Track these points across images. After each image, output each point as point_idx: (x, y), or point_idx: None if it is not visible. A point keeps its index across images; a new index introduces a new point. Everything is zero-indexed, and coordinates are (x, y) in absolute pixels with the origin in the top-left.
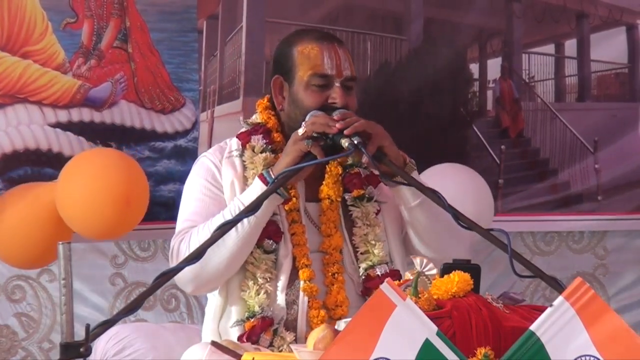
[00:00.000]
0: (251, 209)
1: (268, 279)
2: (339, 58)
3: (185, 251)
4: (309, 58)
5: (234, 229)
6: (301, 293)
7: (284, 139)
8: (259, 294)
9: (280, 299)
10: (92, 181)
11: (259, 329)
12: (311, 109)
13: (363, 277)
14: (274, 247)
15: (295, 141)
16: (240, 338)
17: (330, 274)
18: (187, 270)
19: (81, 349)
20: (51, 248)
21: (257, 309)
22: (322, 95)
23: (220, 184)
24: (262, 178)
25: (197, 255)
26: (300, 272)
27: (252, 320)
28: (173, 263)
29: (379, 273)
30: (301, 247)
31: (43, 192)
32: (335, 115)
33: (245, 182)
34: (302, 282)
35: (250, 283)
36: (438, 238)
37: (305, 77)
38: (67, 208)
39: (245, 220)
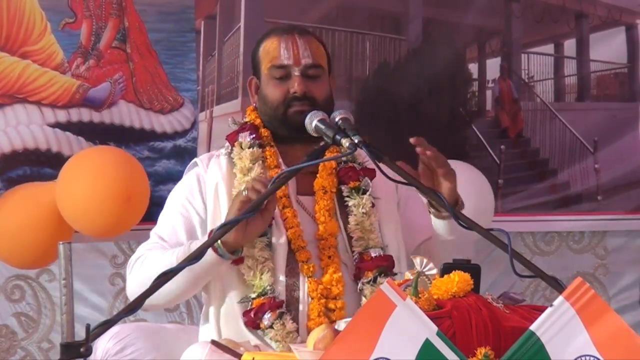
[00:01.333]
0: (253, 208)
1: (267, 257)
2: (297, 47)
3: (134, 275)
4: (268, 52)
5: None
6: (301, 277)
7: (271, 134)
8: (262, 273)
9: (281, 282)
10: (92, 178)
11: (268, 307)
12: (275, 103)
13: (357, 261)
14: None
15: (237, 195)
16: (247, 313)
17: (326, 256)
18: (135, 290)
19: (81, 349)
20: (52, 248)
21: (268, 287)
22: (283, 87)
23: (198, 200)
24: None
25: (197, 256)
26: (297, 254)
27: (262, 298)
28: (127, 276)
29: (373, 255)
30: (294, 229)
31: (43, 192)
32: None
33: (231, 181)
34: (300, 265)
35: (253, 264)
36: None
37: (266, 71)
38: (68, 206)
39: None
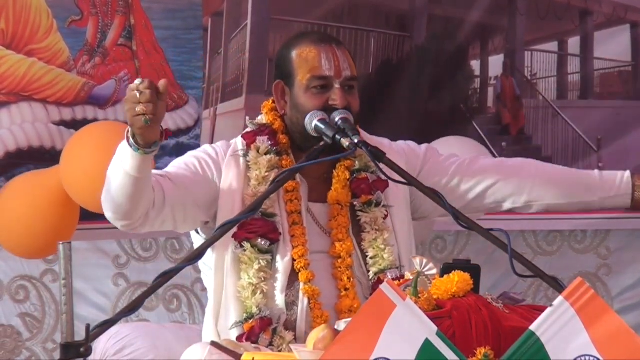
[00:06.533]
0: (252, 210)
1: (263, 279)
2: (338, 59)
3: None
4: (307, 61)
5: (112, 183)
6: (301, 294)
7: (289, 140)
8: (255, 294)
9: (280, 299)
10: (96, 151)
11: (258, 329)
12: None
13: (373, 281)
14: (268, 246)
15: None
16: (239, 338)
17: (346, 277)
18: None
19: (81, 349)
20: (59, 234)
21: (255, 310)
22: (322, 98)
23: (208, 169)
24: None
25: (197, 255)
26: (300, 274)
27: (251, 321)
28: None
29: (390, 277)
30: (299, 248)
31: (46, 177)
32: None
33: (247, 182)
34: (301, 284)
35: (246, 284)
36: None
37: (305, 81)
38: (74, 181)
39: (119, 176)
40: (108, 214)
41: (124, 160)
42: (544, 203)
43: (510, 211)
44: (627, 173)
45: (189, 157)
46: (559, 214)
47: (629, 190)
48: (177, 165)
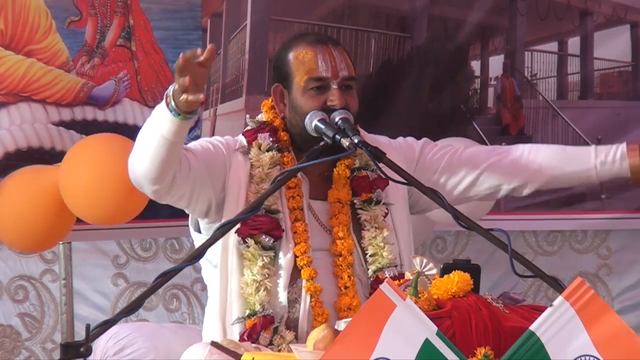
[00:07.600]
0: (253, 209)
1: (267, 275)
2: (334, 59)
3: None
4: (303, 63)
5: (145, 145)
6: (303, 291)
7: (290, 138)
8: (258, 291)
9: (282, 297)
10: (95, 166)
11: (260, 326)
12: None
13: (372, 279)
14: (271, 243)
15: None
16: (241, 335)
17: (346, 275)
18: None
19: (81, 349)
20: (54, 231)
21: (257, 307)
22: (321, 99)
23: (221, 154)
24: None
25: (197, 255)
26: (302, 271)
27: (253, 318)
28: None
29: (387, 275)
30: (302, 245)
31: (45, 175)
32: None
33: (250, 180)
34: (304, 281)
35: (249, 280)
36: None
37: (302, 83)
38: (70, 192)
39: (154, 138)
40: (137, 176)
41: (162, 123)
42: (541, 180)
43: (511, 194)
44: (623, 144)
45: (204, 141)
46: (559, 213)
47: (624, 155)
48: (194, 145)
